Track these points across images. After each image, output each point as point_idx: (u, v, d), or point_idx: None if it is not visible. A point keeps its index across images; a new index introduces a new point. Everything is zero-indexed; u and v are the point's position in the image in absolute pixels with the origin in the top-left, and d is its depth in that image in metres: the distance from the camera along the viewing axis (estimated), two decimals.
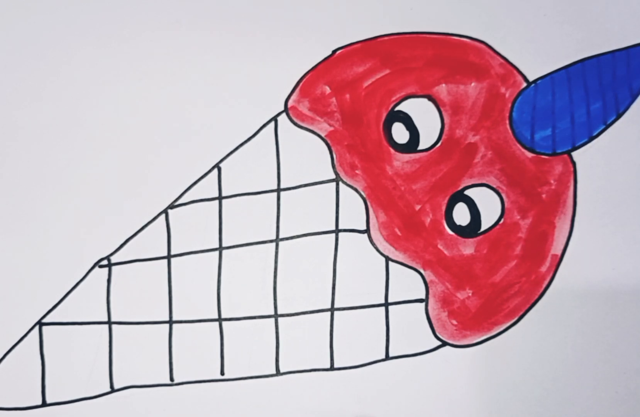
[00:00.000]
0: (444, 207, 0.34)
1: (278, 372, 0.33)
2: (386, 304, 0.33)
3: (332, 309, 0.33)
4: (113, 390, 0.32)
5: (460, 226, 0.34)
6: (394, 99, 0.33)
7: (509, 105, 0.34)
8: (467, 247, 0.34)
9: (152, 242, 0.32)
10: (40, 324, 0.32)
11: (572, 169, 0.34)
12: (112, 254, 0.32)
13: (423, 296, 0.34)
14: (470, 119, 0.34)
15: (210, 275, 0.33)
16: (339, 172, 0.33)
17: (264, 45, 0.33)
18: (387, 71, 0.33)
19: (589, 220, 0.34)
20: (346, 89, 0.33)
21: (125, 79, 0.32)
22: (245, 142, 0.33)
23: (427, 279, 0.34)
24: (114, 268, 0.32)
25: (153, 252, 0.32)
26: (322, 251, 0.33)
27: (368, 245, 0.33)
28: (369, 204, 0.33)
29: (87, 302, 0.32)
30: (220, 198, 0.33)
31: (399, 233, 0.34)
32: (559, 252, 0.34)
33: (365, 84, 0.33)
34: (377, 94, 0.33)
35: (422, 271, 0.34)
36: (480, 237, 0.34)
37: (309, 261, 0.33)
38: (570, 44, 0.35)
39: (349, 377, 0.33)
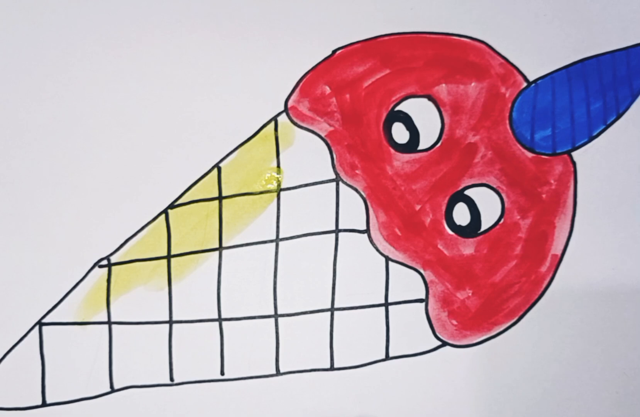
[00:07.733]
0: (444, 207, 0.34)
1: (278, 372, 0.33)
2: (386, 304, 0.33)
3: (332, 309, 0.33)
4: (113, 390, 0.32)
5: (460, 226, 0.34)
6: (394, 99, 0.33)
7: (509, 105, 0.34)
8: (467, 247, 0.34)
9: (152, 242, 0.32)
10: (40, 324, 0.32)
11: (572, 169, 0.34)
12: (112, 254, 0.32)
13: (423, 296, 0.34)
14: (470, 119, 0.34)
15: (210, 275, 0.33)
16: (339, 172, 0.33)
17: (264, 45, 0.33)
18: (387, 71, 0.33)
19: (589, 220, 0.34)
20: (346, 89, 0.33)
21: (125, 79, 0.32)
22: (245, 142, 0.33)
23: (427, 279, 0.34)
24: (114, 268, 0.32)
25: (153, 252, 0.32)
26: (322, 251, 0.33)
27: (368, 245, 0.33)
28: (369, 204, 0.33)
29: (87, 302, 0.32)
30: (220, 198, 0.33)
31: (399, 233, 0.34)
32: (559, 252, 0.34)
33: (365, 84, 0.33)
34: (377, 94, 0.33)
35: (422, 271, 0.34)
36: (480, 237, 0.34)
37: (309, 261, 0.33)
38: (570, 44, 0.35)
39: (349, 377, 0.33)
